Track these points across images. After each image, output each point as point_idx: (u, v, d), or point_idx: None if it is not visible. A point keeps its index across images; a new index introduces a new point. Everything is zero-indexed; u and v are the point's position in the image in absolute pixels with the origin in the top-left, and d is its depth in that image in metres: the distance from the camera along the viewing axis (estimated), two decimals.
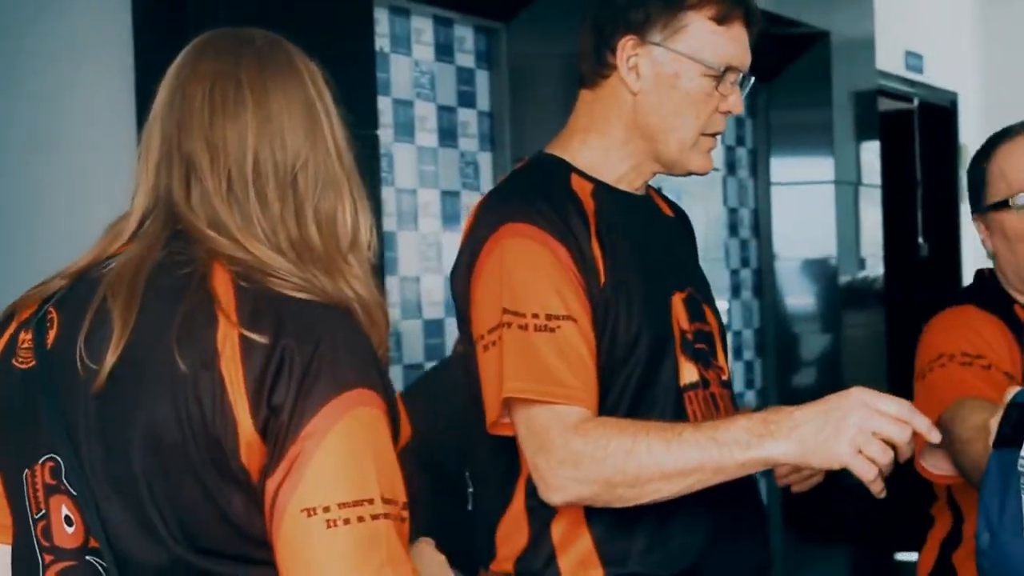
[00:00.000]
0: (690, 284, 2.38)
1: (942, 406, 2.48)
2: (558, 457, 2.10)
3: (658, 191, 2.51)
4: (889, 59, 7.38)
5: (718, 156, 5.77)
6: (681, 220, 2.54)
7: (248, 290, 1.54)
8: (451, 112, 4.82)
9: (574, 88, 2.38)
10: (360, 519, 1.48)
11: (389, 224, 4.54)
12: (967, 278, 8.79)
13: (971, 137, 8.80)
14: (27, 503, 1.63)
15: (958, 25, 8.75)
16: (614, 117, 2.30)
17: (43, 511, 1.62)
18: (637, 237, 2.30)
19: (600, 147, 2.32)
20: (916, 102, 8.15)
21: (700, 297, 2.39)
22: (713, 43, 2.25)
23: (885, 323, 6.83)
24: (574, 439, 2.09)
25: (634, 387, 2.23)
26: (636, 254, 2.28)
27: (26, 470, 1.63)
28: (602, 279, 2.20)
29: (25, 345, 1.64)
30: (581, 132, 2.33)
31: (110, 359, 1.55)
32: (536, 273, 2.16)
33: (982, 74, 9.03)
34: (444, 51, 4.82)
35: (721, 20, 2.25)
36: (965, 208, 8.65)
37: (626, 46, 2.26)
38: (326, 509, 1.48)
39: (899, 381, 7.13)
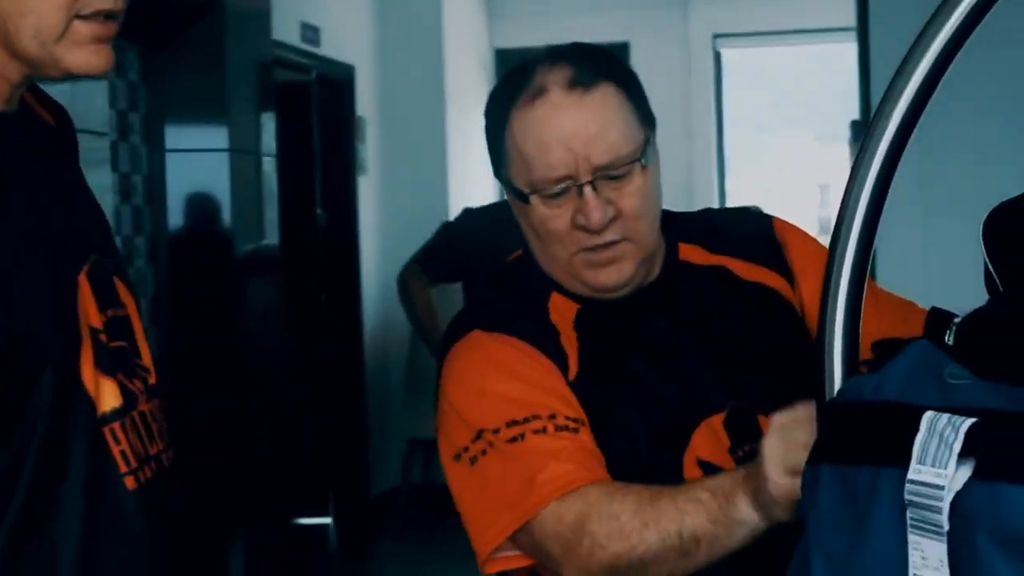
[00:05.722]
0: (94, 250, 1.61)
1: (528, 515, 1.80)
2: None
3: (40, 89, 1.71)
4: (285, 31, 7.46)
5: (110, 121, 5.62)
6: (61, 128, 1.73)
7: None
8: None
9: None
10: None
11: None
12: (364, 247, 9.05)
13: (367, 109, 9.05)
14: None
15: None
16: None
17: None
18: (19, 184, 1.53)
19: None
20: (314, 74, 8.28)
21: (110, 265, 1.64)
22: None
23: (284, 291, 6.90)
24: None
25: (42, 437, 1.46)
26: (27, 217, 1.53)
27: None
28: None
29: None
30: None
31: None
32: None
33: (377, 48, 9.30)
34: None
35: None
36: (363, 180, 8.96)
37: None
38: None
39: (301, 347, 7.27)
